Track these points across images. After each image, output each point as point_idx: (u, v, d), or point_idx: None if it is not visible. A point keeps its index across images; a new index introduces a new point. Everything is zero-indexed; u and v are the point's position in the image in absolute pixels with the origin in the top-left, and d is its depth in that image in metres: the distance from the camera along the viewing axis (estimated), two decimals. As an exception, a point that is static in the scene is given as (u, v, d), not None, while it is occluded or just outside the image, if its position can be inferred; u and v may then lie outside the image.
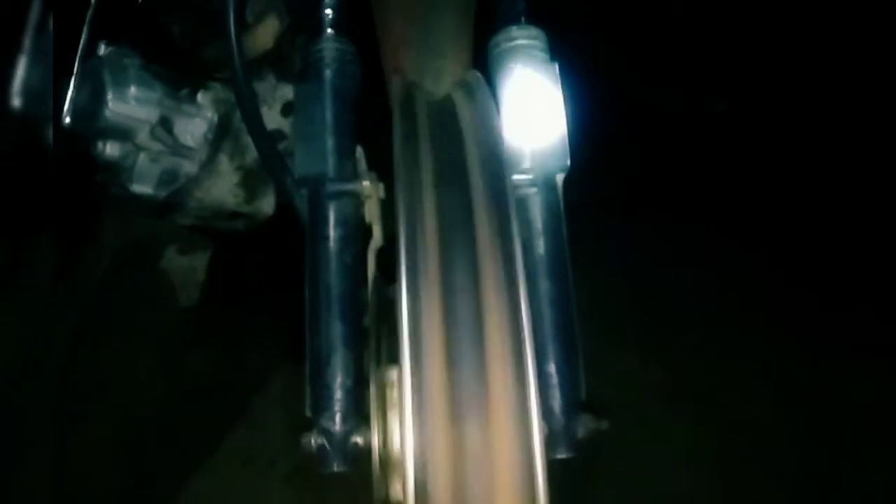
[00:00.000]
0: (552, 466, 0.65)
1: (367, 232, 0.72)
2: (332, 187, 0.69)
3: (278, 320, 1.37)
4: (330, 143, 0.70)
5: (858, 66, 1.89)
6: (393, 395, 0.66)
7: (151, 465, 1.16)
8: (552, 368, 0.67)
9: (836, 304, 1.58)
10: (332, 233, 0.69)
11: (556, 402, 0.67)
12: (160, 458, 1.18)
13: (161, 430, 1.15)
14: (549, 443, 0.64)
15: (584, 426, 0.66)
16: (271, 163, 0.72)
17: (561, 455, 0.65)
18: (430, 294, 0.47)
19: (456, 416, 0.45)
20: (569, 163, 0.69)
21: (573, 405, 0.67)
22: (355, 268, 0.70)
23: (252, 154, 1.08)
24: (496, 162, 0.53)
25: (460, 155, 0.51)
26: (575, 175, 0.69)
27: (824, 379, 1.45)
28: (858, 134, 1.89)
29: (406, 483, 0.42)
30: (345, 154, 0.71)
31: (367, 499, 1.17)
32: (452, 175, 0.49)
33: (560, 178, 0.70)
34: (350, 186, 0.69)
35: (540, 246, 0.69)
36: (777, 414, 1.41)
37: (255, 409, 1.34)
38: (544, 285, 0.68)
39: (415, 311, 0.47)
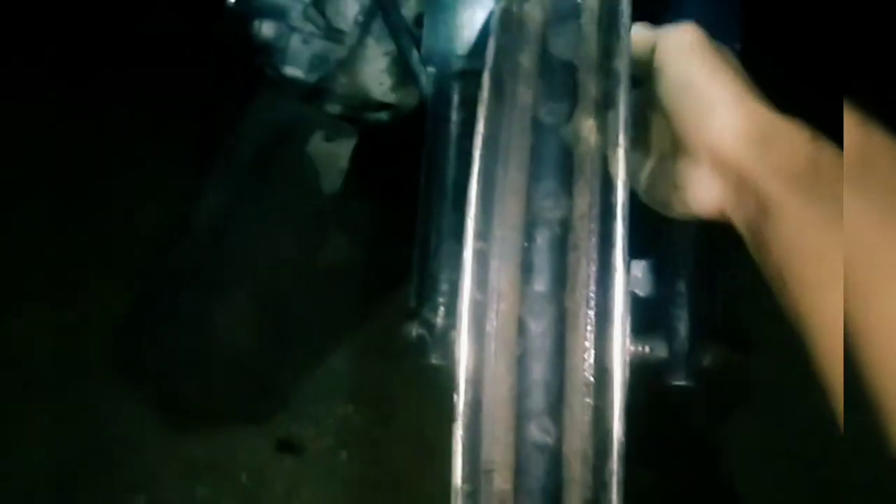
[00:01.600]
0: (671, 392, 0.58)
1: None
2: (460, 65, 0.64)
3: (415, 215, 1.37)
4: (461, 15, 0.64)
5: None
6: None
7: (291, 335, 1.21)
8: (682, 287, 0.59)
9: None
10: (454, 115, 0.64)
11: (684, 324, 0.59)
12: (299, 332, 1.23)
13: (301, 306, 1.20)
14: (667, 368, 0.57)
15: (714, 355, 0.58)
16: (397, 33, 0.68)
17: (679, 382, 0.57)
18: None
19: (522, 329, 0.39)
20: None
21: (703, 331, 0.59)
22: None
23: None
24: (616, 30, 0.44)
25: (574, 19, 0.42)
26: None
27: None
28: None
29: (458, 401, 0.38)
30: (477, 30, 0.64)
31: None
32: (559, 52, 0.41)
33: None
34: (478, 65, 0.63)
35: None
36: None
37: (390, 298, 1.36)
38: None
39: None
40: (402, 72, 1.10)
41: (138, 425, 1.15)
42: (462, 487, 0.36)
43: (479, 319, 0.37)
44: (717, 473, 1.17)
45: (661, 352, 0.58)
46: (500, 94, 0.39)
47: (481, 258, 0.38)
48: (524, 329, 0.37)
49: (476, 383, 0.36)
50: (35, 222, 1.33)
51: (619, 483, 0.35)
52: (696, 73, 0.43)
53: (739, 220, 0.42)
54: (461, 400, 0.37)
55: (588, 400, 0.35)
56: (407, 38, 0.69)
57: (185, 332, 1.14)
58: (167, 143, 1.36)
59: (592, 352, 0.36)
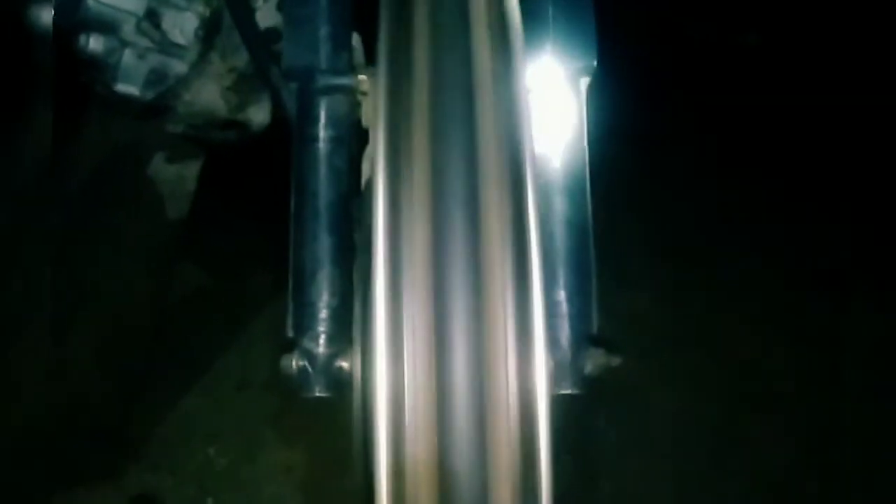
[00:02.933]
0: (555, 402, 0.58)
1: (362, 135, 0.64)
2: (324, 81, 0.61)
3: (274, 238, 1.31)
4: (323, 30, 0.61)
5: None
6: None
7: (139, 380, 1.11)
8: (561, 296, 0.60)
9: (868, 244, 1.49)
10: (322, 133, 0.61)
11: (564, 333, 0.60)
12: (148, 375, 1.14)
13: (149, 346, 1.10)
14: (554, 377, 0.58)
15: (594, 361, 0.60)
16: (255, 51, 0.64)
17: (566, 391, 0.58)
18: (416, 196, 0.39)
19: (441, 346, 0.37)
20: (595, 63, 0.60)
21: (583, 338, 0.60)
22: (347, 174, 0.62)
23: (247, 55, 0.99)
24: (509, 47, 0.44)
25: (464, 31, 0.42)
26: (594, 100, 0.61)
27: (842, 323, 1.38)
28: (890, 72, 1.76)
29: (377, 427, 0.35)
30: (340, 44, 0.62)
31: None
32: (452, 49, 0.40)
33: (585, 81, 0.61)
34: (344, 80, 0.61)
35: (556, 162, 0.61)
36: (788, 358, 1.35)
37: (248, 330, 1.29)
38: (558, 202, 0.60)
39: (393, 214, 0.39)
40: (250, 88, 1.05)
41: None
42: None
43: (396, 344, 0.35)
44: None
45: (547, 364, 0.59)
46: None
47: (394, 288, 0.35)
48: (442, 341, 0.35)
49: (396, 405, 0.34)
50: None
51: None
52: None
53: None
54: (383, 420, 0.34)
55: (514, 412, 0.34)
56: (264, 52, 0.65)
57: (26, 382, 1.01)
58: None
59: (514, 369, 0.35)
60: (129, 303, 1.09)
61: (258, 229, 1.36)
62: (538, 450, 0.38)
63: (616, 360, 0.62)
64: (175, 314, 1.20)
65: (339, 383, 0.59)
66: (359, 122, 0.63)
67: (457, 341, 0.37)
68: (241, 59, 1.00)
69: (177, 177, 1.06)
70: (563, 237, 0.60)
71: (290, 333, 0.60)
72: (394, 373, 0.37)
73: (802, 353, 1.35)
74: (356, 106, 0.62)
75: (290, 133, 0.74)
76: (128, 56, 0.97)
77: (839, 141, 1.68)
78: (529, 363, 0.39)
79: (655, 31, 1.78)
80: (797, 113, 1.73)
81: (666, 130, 1.72)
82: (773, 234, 1.56)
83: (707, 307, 1.41)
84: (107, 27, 0.95)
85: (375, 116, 0.39)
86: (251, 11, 0.65)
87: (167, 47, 0.98)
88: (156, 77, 0.98)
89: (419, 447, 0.36)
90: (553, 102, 0.60)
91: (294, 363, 0.58)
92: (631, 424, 1.25)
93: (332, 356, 0.58)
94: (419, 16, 0.41)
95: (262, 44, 0.66)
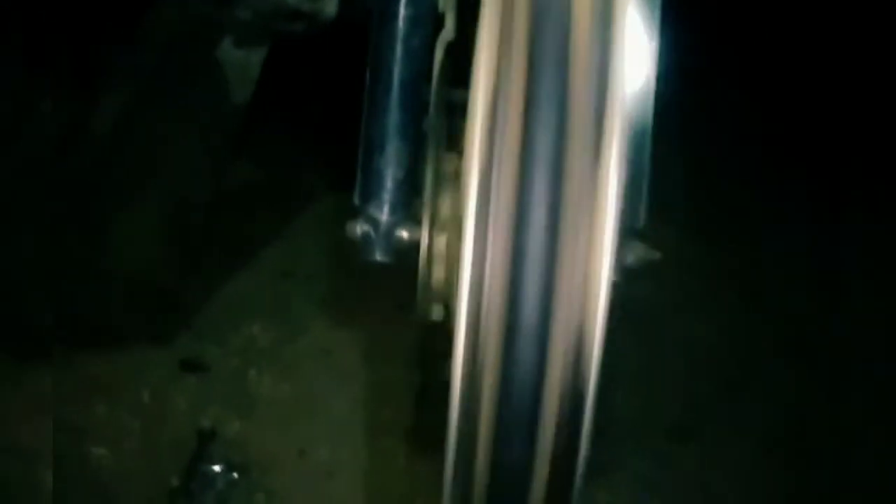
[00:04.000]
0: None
1: (438, 19, 0.66)
2: (408, -41, 0.63)
3: (329, 137, 1.35)
4: None
5: None
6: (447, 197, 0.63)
7: (195, 253, 1.17)
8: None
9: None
10: (402, 11, 0.63)
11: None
12: (202, 252, 1.20)
13: (204, 224, 1.16)
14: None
15: (636, 253, 0.63)
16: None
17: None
18: (513, 78, 0.41)
19: (522, 218, 0.40)
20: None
21: (629, 231, 0.63)
22: (421, 56, 0.65)
23: (320, -56, 1.01)
24: None
25: None
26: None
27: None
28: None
29: (460, 282, 0.39)
30: (426, -75, 0.64)
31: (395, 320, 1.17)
32: None
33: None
34: (428, -39, 0.63)
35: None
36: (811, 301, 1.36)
37: (295, 222, 1.34)
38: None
39: (491, 88, 0.42)
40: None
41: (34, 342, 1.09)
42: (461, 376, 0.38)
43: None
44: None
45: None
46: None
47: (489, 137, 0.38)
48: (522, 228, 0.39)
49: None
50: None
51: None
52: None
53: None
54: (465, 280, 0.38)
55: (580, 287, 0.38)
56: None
57: (85, 244, 1.08)
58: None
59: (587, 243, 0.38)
60: (189, 179, 1.14)
61: (313, 124, 1.41)
62: (595, 321, 0.42)
63: (655, 255, 0.64)
64: (229, 198, 1.25)
65: (398, 251, 0.63)
66: (436, 5, 0.66)
67: (536, 215, 0.40)
68: (315, -52, 1.02)
69: (243, 61, 1.09)
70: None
71: (357, 201, 0.63)
72: (479, 238, 0.40)
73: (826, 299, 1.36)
74: (436, -10, 0.65)
75: (352, 30, 0.76)
76: (205, -62, 0.99)
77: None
78: (599, 246, 0.42)
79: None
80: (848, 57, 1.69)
81: (719, 69, 1.69)
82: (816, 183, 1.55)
83: (739, 243, 1.42)
84: None
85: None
86: None
87: (241, -71, 1.00)
88: (229, -39, 1.00)
89: (493, 299, 0.39)
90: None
91: (359, 228, 0.63)
92: (650, 347, 1.28)
93: (395, 224, 0.62)
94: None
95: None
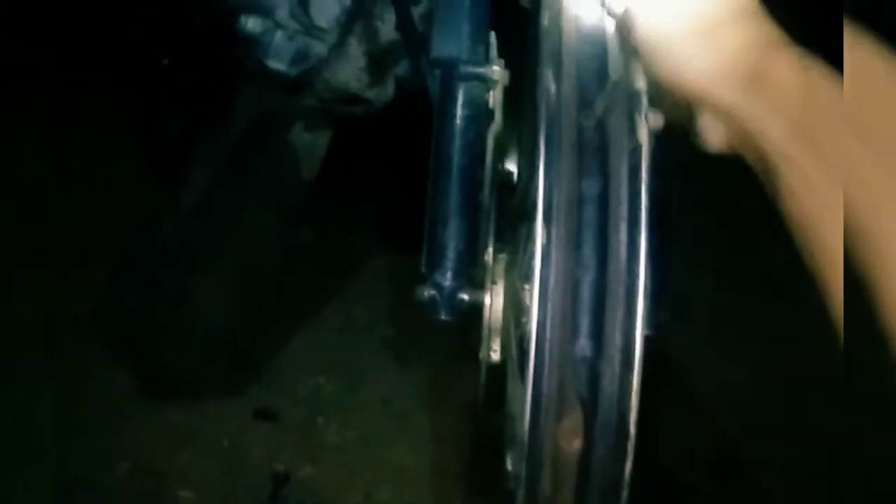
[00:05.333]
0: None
1: (489, 115, 0.79)
2: (465, 70, 0.75)
3: (382, 207, 1.49)
4: (466, 27, 0.76)
5: None
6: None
7: (265, 313, 1.30)
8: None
9: None
10: (459, 111, 0.75)
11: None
12: (272, 310, 1.32)
13: (275, 286, 1.29)
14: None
15: (667, 311, 0.73)
16: (412, 43, 0.79)
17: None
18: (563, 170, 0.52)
19: (575, 295, 0.50)
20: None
21: (660, 289, 0.73)
22: (476, 146, 0.77)
23: (380, 40, 1.15)
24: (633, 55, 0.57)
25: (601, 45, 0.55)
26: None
27: None
28: None
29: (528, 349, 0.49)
30: (478, 39, 0.77)
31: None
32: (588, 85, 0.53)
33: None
34: (481, 70, 0.75)
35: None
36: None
37: (352, 283, 1.47)
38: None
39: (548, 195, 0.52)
40: (379, 70, 1.21)
41: (122, 395, 1.22)
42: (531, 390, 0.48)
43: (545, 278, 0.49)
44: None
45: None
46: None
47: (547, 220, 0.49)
48: (577, 287, 0.50)
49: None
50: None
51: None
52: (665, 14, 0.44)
53: (751, 161, 0.43)
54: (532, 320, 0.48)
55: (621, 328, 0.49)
56: (418, 46, 0.80)
57: (167, 306, 1.21)
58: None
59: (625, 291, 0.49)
60: (260, 247, 1.28)
61: (368, 196, 1.54)
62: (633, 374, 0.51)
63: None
64: (293, 262, 1.38)
65: (460, 310, 0.74)
66: (487, 104, 0.78)
67: (585, 291, 0.51)
68: (375, 44, 1.16)
69: (311, 144, 1.23)
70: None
71: (423, 269, 0.75)
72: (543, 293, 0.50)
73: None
74: (487, 90, 0.77)
75: (407, 112, 0.89)
76: (279, 37, 1.14)
77: None
78: (633, 317, 0.52)
79: None
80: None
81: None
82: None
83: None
84: (264, 10, 1.13)
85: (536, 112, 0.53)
86: (409, 7, 0.80)
87: (312, 30, 1.14)
88: (300, 56, 1.15)
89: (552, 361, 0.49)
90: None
91: (426, 292, 0.74)
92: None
93: (457, 288, 0.73)
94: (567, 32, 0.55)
95: (415, 36, 0.81)
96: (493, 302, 0.72)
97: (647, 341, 0.72)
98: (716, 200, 1.54)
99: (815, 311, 0.40)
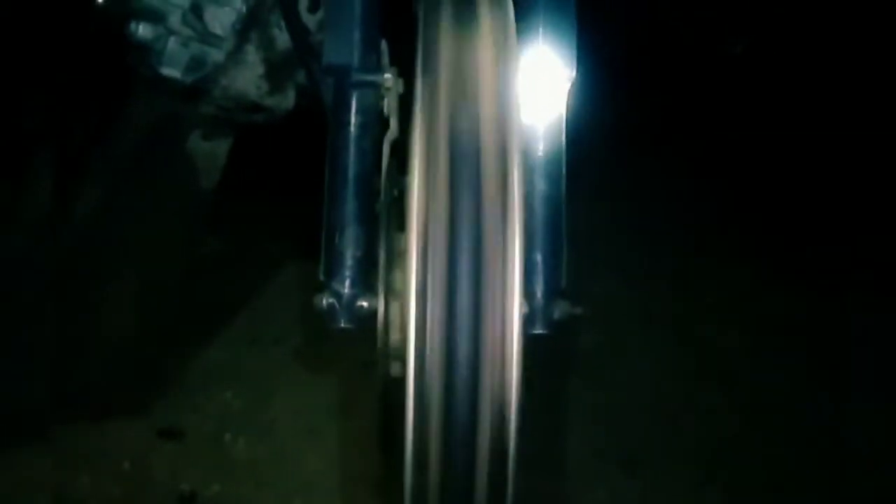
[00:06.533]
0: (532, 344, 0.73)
1: (384, 122, 0.79)
2: (357, 77, 0.76)
3: (290, 213, 1.46)
4: (357, 34, 0.76)
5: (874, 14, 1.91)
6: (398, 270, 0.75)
7: (170, 326, 1.26)
8: (538, 257, 0.75)
9: (827, 239, 1.66)
10: (353, 119, 0.76)
11: (539, 286, 0.75)
12: (177, 323, 1.28)
13: (179, 298, 1.25)
14: (530, 320, 0.73)
15: (561, 309, 0.75)
16: (302, 50, 0.78)
17: (539, 331, 0.73)
18: (438, 184, 0.54)
19: (452, 289, 0.52)
20: (574, 72, 0.75)
21: (553, 290, 0.75)
22: (371, 154, 0.77)
23: (278, 47, 1.14)
24: (509, 66, 0.59)
25: (474, 57, 0.57)
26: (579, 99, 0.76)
27: (801, 313, 1.54)
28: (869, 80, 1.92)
29: (407, 313, 0.50)
30: (370, 47, 0.77)
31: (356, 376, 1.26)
32: (464, 82, 0.55)
33: (566, 86, 0.76)
34: (373, 77, 0.76)
35: (539, 149, 0.76)
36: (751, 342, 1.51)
37: (260, 293, 1.44)
38: (539, 184, 0.76)
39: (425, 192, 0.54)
40: (279, 78, 1.19)
41: (18, 416, 1.15)
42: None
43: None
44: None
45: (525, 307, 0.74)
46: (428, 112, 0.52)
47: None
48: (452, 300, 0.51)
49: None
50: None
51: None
52: None
53: None
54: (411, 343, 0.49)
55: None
56: (307, 50, 0.80)
57: (68, 320, 1.16)
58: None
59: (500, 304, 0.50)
60: (162, 259, 1.24)
61: (274, 203, 1.52)
62: (513, 363, 0.53)
63: (578, 310, 0.77)
64: (198, 274, 1.34)
65: (359, 318, 0.74)
66: (382, 111, 0.78)
67: (463, 287, 0.52)
68: (273, 51, 1.15)
69: (210, 152, 1.20)
70: (542, 212, 0.76)
71: (322, 277, 0.75)
72: (420, 306, 0.52)
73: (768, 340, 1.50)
74: (381, 98, 0.78)
75: (308, 119, 0.88)
76: (172, 43, 1.11)
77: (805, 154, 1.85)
78: (509, 308, 0.54)
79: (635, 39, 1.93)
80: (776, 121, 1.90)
81: (645, 129, 1.88)
82: (743, 231, 1.72)
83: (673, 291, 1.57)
84: (156, 17, 1.10)
85: (418, 107, 0.54)
86: (298, 14, 0.79)
87: (207, 37, 1.12)
88: (195, 63, 1.12)
89: (433, 357, 0.51)
90: (539, 102, 0.75)
91: (324, 301, 0.73)
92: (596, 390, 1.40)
93: (355, 296, 0.73)
94: (444, 36, 0.56)
95: (306, 43, 0.80)
96: (390, 311, 0.72)
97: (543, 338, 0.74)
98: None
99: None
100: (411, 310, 0.51)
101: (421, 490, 0.52)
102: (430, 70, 0.56)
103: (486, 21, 0.60)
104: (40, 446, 1.15)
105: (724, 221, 1.75)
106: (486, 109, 0.55)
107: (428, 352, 0.50)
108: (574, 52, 0.76)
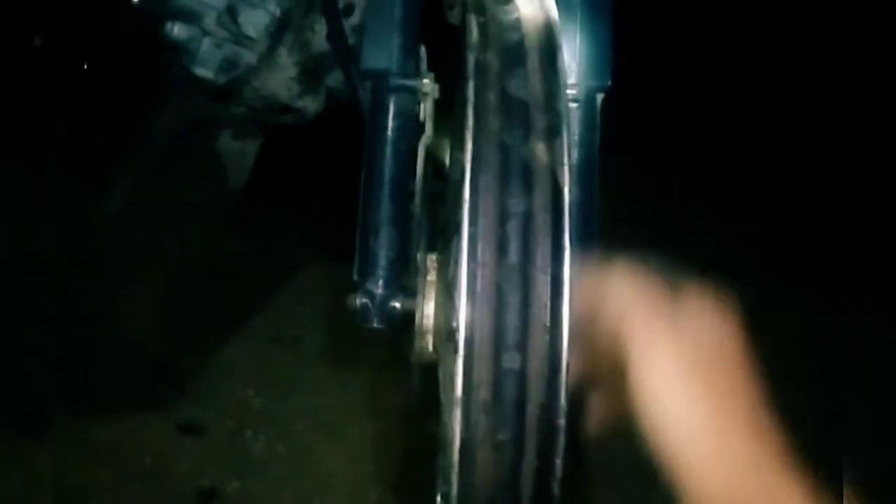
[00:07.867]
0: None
1: (420, 126, 0.80)
2: (395, 82, 0.77)
3: (314, 215, 1.48)
4: (397, 40, 0.77)
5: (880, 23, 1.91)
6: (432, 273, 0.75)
7: (191, 325, 1.27)
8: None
9: (843, 258, 1.66)
10: (390, 123, 0.77)
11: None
12: (198, 322, 1.29)
13: (201, 297, 1.26)
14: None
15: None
16: (343, 54, 0.80)
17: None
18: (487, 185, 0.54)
19: (501, 293, 0.51)
20: (609, 83, 0.76)
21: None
22: (407, 157, 0.78)
23: (311, 51, 1.15)
24: (556, 78, 0.59)
25: (523, 67, 0.57)
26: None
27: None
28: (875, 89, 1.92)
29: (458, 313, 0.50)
30: (409, 52, 0.78)
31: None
32: (515, 92, 0.55)
33: (600, 97, 0.77)
34: (411, 83, 0.77)
35: (574, 156, 0.77)
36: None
37: (282, 294, 1.45)
38: (574, 190, 0.76)
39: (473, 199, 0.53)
40: (310, 80, 1.21)
41: (42, 414, 1.16)
42: (460, 398, 0.49)
43: (471, 283, 0.50)
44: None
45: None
46: (479, 123, 0.53)
47: (472, 240, 0.50)
48: (501, 289, 0.51)
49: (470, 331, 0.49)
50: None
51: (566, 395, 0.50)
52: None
53: None
54: (461, 335, 0.49)
55: (546, 337, 0.50)
56: (349, 58, 0.81)
57: (90, 321, 1.17)
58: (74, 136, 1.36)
59: (549, 304, 0.50)
60: (187, 258, 1.25)
61: (298, 205, 1.53)
62: (561, 370, 0.53)
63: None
64: (222, 272, 1.35)
65: (391, 319, 0.75)
66: (418, 115, 0.80)
67: (511, 290, 0.52)
68: (305, 54, 1.16)
69: (239, 152, 1.22)
70: (576, 216, 0.76)
71: (356, 277, 0.75)
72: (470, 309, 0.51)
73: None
74: (417, 103, 0.79)
75: (338, 122, 0.89)
76: (206, 44, 1.12)
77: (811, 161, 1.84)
78: (560, 313, 0.54)
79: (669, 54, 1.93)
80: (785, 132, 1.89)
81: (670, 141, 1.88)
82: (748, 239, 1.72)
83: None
84: (191, 17, 1.11)
85: (462, 118, 0.54)
86: (340, 18, 0.81)
87: (241, 39, 1.14)
88: (228, 64, 1.14)
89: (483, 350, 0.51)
90: (574, 112, 0.76)
91: (358, 300, 0.74)
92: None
93: (388, 297, 0.74)
94: (492, 46, 0.57)
95: (346, 48, 0.82)
96: (425, 307, 0.73)
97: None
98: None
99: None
100: (461, 312, 0.51)
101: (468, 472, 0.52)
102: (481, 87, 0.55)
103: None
104: (63, 442, 1.16)
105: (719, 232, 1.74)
106: (538, 123, 0.55)
107: (476, 354, 0.50)
108: (609, 63, 0.77)
